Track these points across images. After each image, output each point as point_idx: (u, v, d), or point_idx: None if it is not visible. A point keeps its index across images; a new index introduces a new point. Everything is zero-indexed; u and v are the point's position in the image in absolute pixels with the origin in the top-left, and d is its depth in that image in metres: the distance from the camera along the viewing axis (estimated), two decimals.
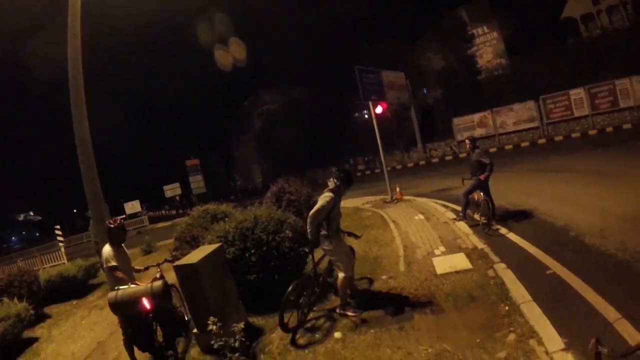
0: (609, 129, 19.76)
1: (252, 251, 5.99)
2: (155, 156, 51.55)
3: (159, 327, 5.23)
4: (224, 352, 4.42)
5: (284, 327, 5.08)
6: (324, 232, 5.26)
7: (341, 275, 5.38)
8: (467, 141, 8.85)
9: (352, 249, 6.01)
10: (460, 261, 6.68)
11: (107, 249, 5.52)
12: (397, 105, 27.65)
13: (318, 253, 5.71)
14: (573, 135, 20.93)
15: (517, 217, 8.72)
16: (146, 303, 4.82)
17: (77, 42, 8.91)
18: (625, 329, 4.13)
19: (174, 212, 43.42)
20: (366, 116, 32.91)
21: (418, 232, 8.90)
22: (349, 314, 5.43)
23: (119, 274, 5.31)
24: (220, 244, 5.75)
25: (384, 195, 13.91)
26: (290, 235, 6.30)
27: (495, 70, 32.88)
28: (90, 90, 9.40)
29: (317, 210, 5.15)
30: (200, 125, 50.10)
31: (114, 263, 5.37)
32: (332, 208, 5.21)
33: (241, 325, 4.65)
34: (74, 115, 8.80)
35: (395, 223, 10.08)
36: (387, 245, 8.44)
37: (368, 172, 30.99)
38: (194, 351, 5.38)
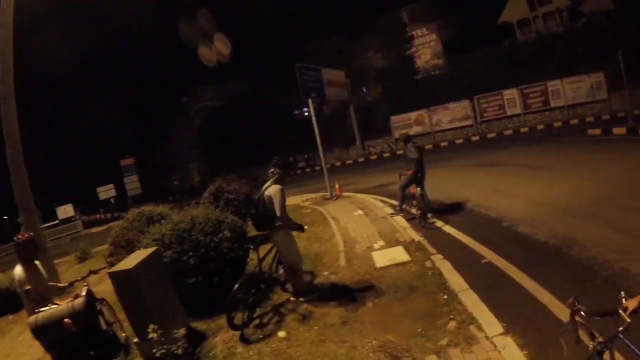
0: (540, 127, 21.28)
1: (190, 254, 5.72)
2: (88, 157, 48.22)
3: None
4: None
5: (233, 325, 5.01)
6: (278, 223, 5.34)
7: (292, 266, 5.58)
8: (400, 139, 9.11)
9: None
10: (399, 254, 6.80)
11: (18, 270, 4.90)
12: (337, 102, 27.92)
13: (263, 249, 5.80)
14: (505, 132, 22.28)
15: (452, 209, 9.05)
16: (70, 324, 4.43)
17: (6, 33, 8.39)
18: (560, 311, 4.29)
19: (109, 215, 40.83)
20: (306, 114, 32.94)
21: (357, 228, 8.99)
22: (307, 298, 5.58)
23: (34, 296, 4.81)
24: (156, 247, 5.43)
25: (323, 192, 13.97)
26: (229, 235, 6.10)
27: (433, 70, 34.21)
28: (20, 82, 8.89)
29: (283, 206, 5.28)
30: (136, 124, 47.47)
31: (28, 286, 4.81)
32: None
33: (183, 331, 4.47)
34: (3, 112, 8.32)
35: (335, 219, 10.12)
36: (327, 241, 8.44)
37: (308, 170, 31.05)
38: None
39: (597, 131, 15.49)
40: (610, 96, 19.94)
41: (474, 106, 24.18)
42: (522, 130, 21.67)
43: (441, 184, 11.11)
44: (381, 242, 7.61)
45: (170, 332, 4.41)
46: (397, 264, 6.37)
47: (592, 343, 2.55)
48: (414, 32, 37.42)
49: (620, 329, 2.28)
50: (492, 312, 4.45)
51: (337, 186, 13.91)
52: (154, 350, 4.18)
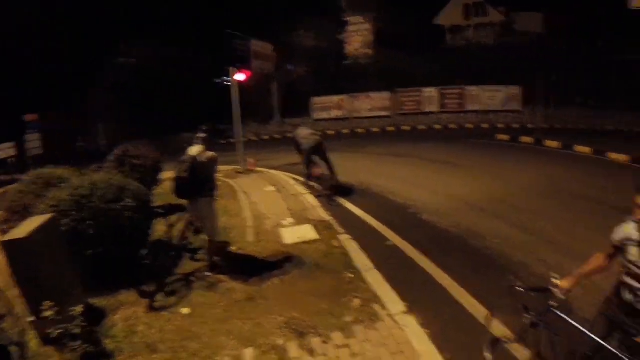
0: (453, 126, 22.73)
1: (89, 222, 5.24)
2: None
3: None
4: (64, 340, 3.86)
5: (142, 293, 5.00)
6: (208, 190, 5.34)
7: (212, 237, 5.54)
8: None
9: None
10: (307, 232, 6.87)
11: None
12: (261, 76, 27.35)
13: (172, 217, 5.93)
14: (419, 127, 23.47)
15: (362, 193, 9.37)
16: None
17: None
18: (458, 292, 4.68)
19: (8, 177, 35.80)
20: (228, 83, 31.71)
21: (268, 204, 8.88)
22: (216, 272, 5.50)
23: None
24: (52, 214, 4.90)
25: (236, 165, 13.62)
26: (132, 204, 5.69)
27: (361, 58, 34.73)
28: None
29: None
30: (45, 77, 41.68)
31: None
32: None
33: (80, 308, 4.09)
34: None
35: (246, 194, 9.91)
36: (236, 215, 8.22)
37: (224, 142, 30.16)
38: (33, 343, 4.32)
39: (506, 137, 16.99)
40: (523, 109, 21.89)
41: (393, 98, 25.10)
42: (436, 127, 22.97)
43: (354, 169, 11.44)
44: (290, 220, 7.60)
45: (67, 309, 4.05)
46: (305, 242, 6.42)
47: (527, 316, 2.93)
48: (349, 19, 37.70)
49: (553, 303, 2.75)
50: (396, 291, 4.67)
51: (250, 161, 13.65)
52: (49, 330, 3.87)
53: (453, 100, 23.80)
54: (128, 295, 5.01)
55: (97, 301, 5.12)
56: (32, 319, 4.28)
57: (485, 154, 13.94)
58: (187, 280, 5.43)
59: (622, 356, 2.39)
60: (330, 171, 8.75)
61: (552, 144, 14.33)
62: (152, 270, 5.21)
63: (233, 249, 6.49)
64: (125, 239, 5.46)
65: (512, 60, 23.33)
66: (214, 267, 5.56)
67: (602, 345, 2.52)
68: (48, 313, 3.81)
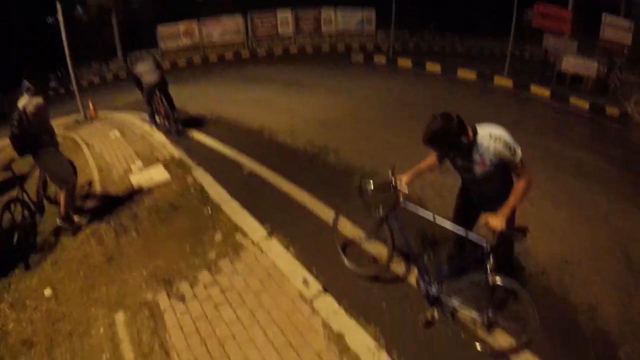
0: (309, 50, 22.71)
1: None
2: None
3: None
4: None
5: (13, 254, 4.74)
6: (46, 139, 5.04)
7: (66, 185, 5.20)
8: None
9: (72, 163, 5.89)
10: (158, 173, 6.42)
11: None
12: (96, 8, 24.02)
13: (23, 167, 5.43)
14: (275, 51, 22.97)
15: (216, 122, 9.00)
16: None
17: None
18: (317, 207, 4.86)
19: None
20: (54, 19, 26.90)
21: (114, 151, 8.03)
22: (74, 222, 5.29)
23: None
24: None
25: (77, 114, 12.05)
26: None
27: None
28: None
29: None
30: None
31: None
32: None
33: None
34: None
35: (89, 145, 8.81)
36: (80, 171, 7.29)
37: (62, 91, 26.27)
38: None
39: (360, 58, 17.59)
40: (377, 32, 22.66)
41: (247, 22, 24.02)
42: (292, 50, 22.74)
43: (206, 98, 10.97)
44: (139, 164, 6.99)
45: None
46: (157, 185, 6.01)
47: (377, 213, 3.26)
48: None
49: (401, 197, 3.07)
50: (255, 218, 4.63)
51: (91, 106, 12.13)
52: None
53: (309, 23, 23.62)
54: None
55: None
56: None
57: (340, 75, 14.27)
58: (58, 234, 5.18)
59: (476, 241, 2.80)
60: (171, 108, 8.18)
61: (405, 63, 15.13)
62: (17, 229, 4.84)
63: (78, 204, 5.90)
64: None
65: None
66: (65, 218, 5.24)
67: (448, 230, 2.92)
68: None
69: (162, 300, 3.71)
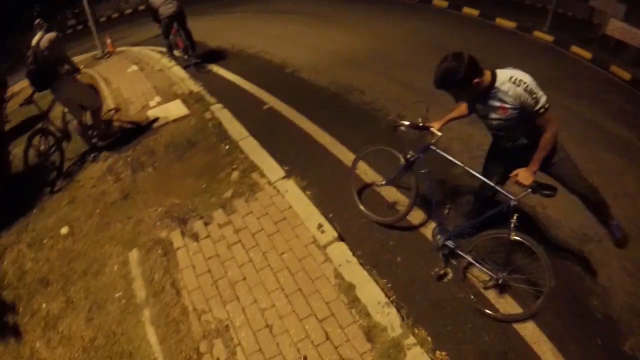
0: None
1: None
2: None
3: None
4: None
5: (45, 182, 5.04)
6: (65, 69, 5.16)
7: (94, 108, 5.50)
8: None
9: (92, 87, 5.98)
10: (176, 108, 6.30)
11: None
12: None
13: (45, 100, 5.36)
14: None
15: (237, 56, 8.63)
16: None
17: None
18: (338, 150, 4.66)
19: None
20: None
21: (131, 86, 7.93)
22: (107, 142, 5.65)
23: None
24: None
25: (95, 51, 11.85)
26: None
27: None
28: None
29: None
30: None
31: None
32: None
33: None
34: None
35: (107, 81, 8.71)
36: None
37: (80, 27, 25.93)
38: None
39: None
40: None
41: None
42: None
43: (224, 31, 10.48)
44: (158, 99, 6.87)
45: None
46: (175, 120, 5.90)
47: (408, 154, 3.13)
48: None
49: (433, 140, 2.96)
50: (274, 157, 4.50)
51: (108, 41, 11.89)
52: None
53: None
54: (7, 236, 4.51)
55: None
56: None
57: (370, 9, 13.40)
58: (84, 160, 5.47)
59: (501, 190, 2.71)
60: (190, 41, 7.93)
61: (441, 3, 13.96)
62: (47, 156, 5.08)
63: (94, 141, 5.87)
64: None
65: None
66: (101, 137, 5.70)
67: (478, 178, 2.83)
68: None
69: (176, 238, 3.71)
